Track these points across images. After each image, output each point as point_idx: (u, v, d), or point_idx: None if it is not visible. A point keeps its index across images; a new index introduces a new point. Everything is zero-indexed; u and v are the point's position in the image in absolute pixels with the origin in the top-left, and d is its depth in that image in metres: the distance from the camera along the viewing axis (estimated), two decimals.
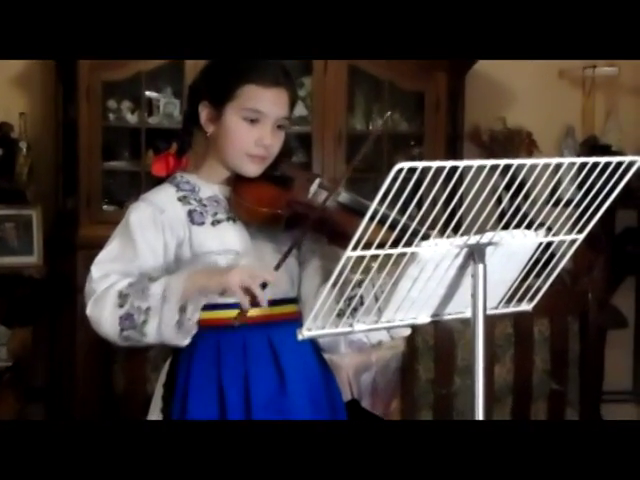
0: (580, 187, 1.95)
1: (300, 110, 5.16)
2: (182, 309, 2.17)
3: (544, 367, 3.57)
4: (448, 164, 1.67)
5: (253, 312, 2.19)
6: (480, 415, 1.94)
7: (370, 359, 3.53)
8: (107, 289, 2.19)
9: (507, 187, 1.86)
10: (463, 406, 3.43)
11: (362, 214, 1.72)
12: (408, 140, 5.44)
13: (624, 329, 5.99)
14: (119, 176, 5.20)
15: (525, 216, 1.96)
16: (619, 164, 1.87)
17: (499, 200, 1.87)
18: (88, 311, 2.21)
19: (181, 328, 2.18)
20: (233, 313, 2.15)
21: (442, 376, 3.49)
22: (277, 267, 2.12)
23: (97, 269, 2.23)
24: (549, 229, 1.94)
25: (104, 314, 2.18)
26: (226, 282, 2.11)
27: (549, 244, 1.96)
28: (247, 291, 2.09)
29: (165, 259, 2.27)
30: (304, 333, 1.81)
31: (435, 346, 3.49)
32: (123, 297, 2.17)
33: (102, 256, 2.25)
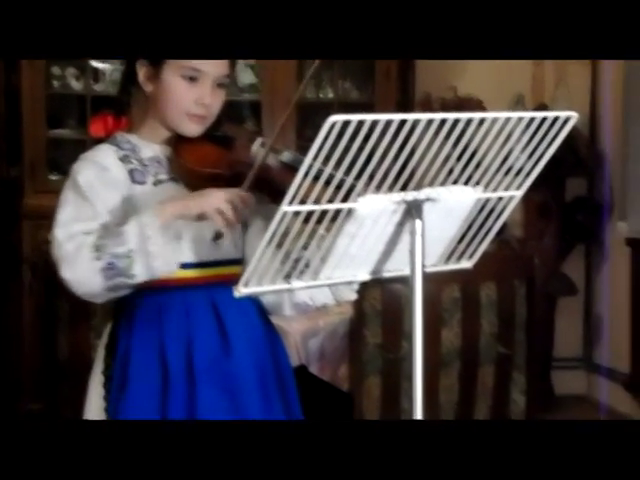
0: (524, 150, 1.95)
1: (250, 78, 5.13)
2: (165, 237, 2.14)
3: (491, 331, 3.58)
4: (383, 117, 1.66)
5: (195, 273, 2.18)
6: (418, 376, 1.93)
7: (318, 325, 3.53)
8: (78, 248, 2.12)
9: (454, 145, 1.86)
10: (411, 371, 3.43)
11: (314, 178, 1.72)
12: (359, 108, 5.42)
13: (574, 296, 6.04)
14: (64, 144, 5.13)
15: (469, 177, 1.95)
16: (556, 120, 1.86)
17: (445, 159, 1.87)
18: (64, 275, 2.13)
19: (169, 256, 2.15)
20: (176, 274, 2.15)
21: (390, 341, 3.49)
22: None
23: (61, 232, 2.16)
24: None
25: (83, 272, 2.11)
26: (203, 206, 2.12)
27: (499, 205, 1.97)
28: (222, 214, 2.11)
29: (115, 216, 2.24)
30: (240, 289, 1.80)
31: (383, 311, 3.49)
32: (98, 249, 2.11)
33: (62, 218, 2.19)
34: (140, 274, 2.13)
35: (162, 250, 2.12)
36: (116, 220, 2.21)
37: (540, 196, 5.76)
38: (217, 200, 2.11)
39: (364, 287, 3.46)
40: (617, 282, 5.77)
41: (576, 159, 5.76)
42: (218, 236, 2.13)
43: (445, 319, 3.55)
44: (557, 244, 5.87)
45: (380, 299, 3.50)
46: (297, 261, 1.86)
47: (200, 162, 2.25)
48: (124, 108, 2.39)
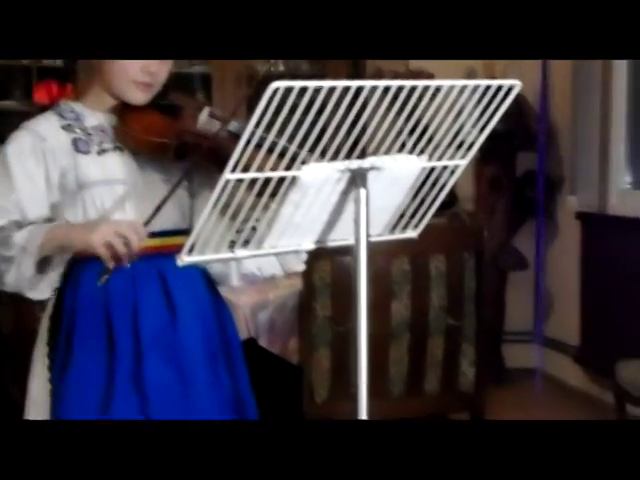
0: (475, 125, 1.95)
1: None
2: (41, 263, 2.14)
3: (440, 303, 3.59)
4: (326, 84, 1.65)
5: (143, 243, 2.16)
6: (363, 346, 1.93)
7: (267, 298, 3.52)
8: None
9: (400, 114, 1.85)
10: (356, 341, 3.43)
11: (257, 145, 1.70)
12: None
13: (524, 271, 6.08)
14: (10, 116, 5.06)
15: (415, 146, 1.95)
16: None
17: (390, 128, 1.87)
18: None
19: (38, 282, 2.16)
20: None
21: (340, 313, 3.49)
22: (147, 223, 2.09)
23: None
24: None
25: None
26: (89, 240, 2.07)
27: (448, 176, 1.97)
28: (111, 249, 2.06)
29: (48, 190, 2.22)
30: (183, 258, 1.78)
31: (332, 283, 3.49)
32: None
33: None
34: (9, 283, 2.15)
35: (27, 272, 2.13)
36: (49, 196, 2.21)
37: (491, 171, 5.78)
38: (106, 234, 2.06)
39: (314, 259, 3.46)
40: (567, 256, 5.81)
41: (527, 134, 5.78)
42: (104, 276, 2.09)
43: (395, 291, 3.55)
44: (508, 218, 5.90)
45: (330, 272, 3.50)
46: (241, 230, 1.85)
47: (146, 131, 2.22)
48: (69, 75, 2.36)
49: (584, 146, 5.53)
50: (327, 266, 3.49)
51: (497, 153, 5.73)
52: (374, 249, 3.54)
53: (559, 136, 5.93)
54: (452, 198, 5.07)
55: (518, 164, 5.94)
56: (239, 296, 3.40)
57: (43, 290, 2.19)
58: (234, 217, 1.82)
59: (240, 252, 1.85)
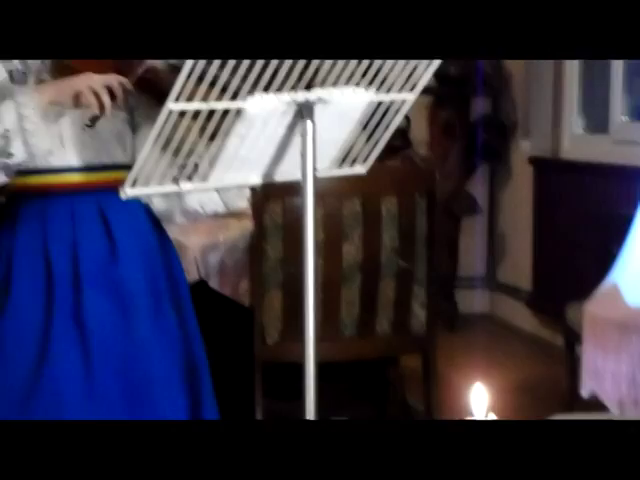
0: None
1: None
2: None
3: (392, 245, 3.58)
4: None
5: (81, 178, 2.13)
6: (310, 281, 1.92)
7: (217, 239, 3.49)
8: None
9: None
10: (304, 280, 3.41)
11: (199, 79, 1.67)
12: None
13: (478, 216, 6.09)
14: None
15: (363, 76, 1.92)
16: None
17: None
18: None
19: (49, 134, 2.14)
20: (61, 178, 2.10)
21: (291, 255, 3.47)
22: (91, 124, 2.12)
23: None
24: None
25: None
26: (77, 85, 2.08)
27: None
28: (97, 93, 2.08)
29: None
30: (126, 190, 1.76)
31: (284, 225, 3.46)
32: None
33: None
34: (18, 153, 2.10)
35: (39, 128, 2.10)
36: None
37: (445, 115, 5.77)
38: (92, 81, 2.09)
39: (265, 201, 3.43)
40: (520, 201, 5.83)
41: (481, 79, 5.77)
42: (93, 120, 2.11)
43: (346, 233, 3.53)
44: (461, 163, 5.91)
45: (281, 213, 3.47)
46: (185, 165, 1.82)
47: (85, 61, 2.18)
48: None
49: (537, 90, 5.53)
50: (278, 207, 3.46)
51: (451, 98, 5.71)
52: (325, 190, 3.53)
53: (512, 80, 5.93)
54: (405, 142, 5.05)
55: (472, 108, 5.94)
56: (189, 237, 3.38)
57: (54, 140, 2.18)
58: (177, 152, 1.79)
59: (185, 185, 1.83)
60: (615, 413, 1.88)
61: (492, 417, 1.05)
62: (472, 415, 1.05)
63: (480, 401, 1.06)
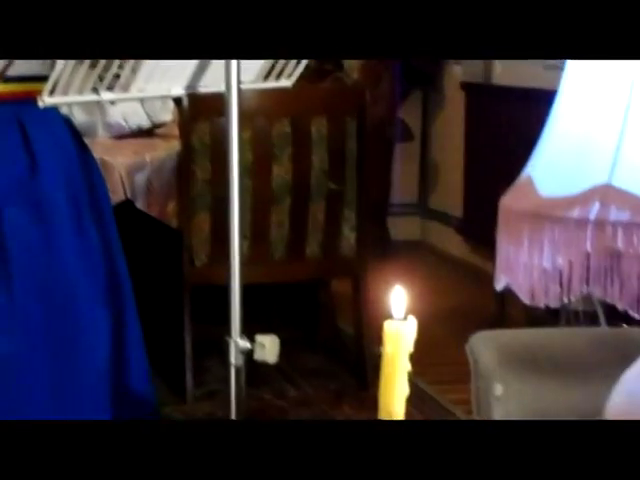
0: None
1: None
2: None
3: (322, 167, 3.54)
4: None
5: None
6: (235, 202, 1.89)
7: (144, 159, 3.42)
8: None
9: None
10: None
11: None
12: None
13: (411, 142, 6.09)
14: None
15: None
16: None
17: None
18: None
19: None
20: None
21: (219, 177, 3.41)
22: None
23: None
24: None
25: None
26: None
27: None
28: None
29: None
30: (44, 99, 1.71)
31: (212, 146, 3.40)
32: None
33: None
34: None
35: None
36: None
37: None
38: None
39: (192, 121, 3.37)
40: (452, 127, 5.83)
41: None
42: None
43: (275, 154, 3.50)
44: (394, 89, 5.87)
45: (209, 133, 3.41)
46: (106, 72, 1.77)
47: None
48: None
49: None
50: (206, 128, 3.40)
51: None
52: (254, 111, 3.47)
53: None
54: (337, 66, 5.01)
55: None
56: (115, 157, 3.30)
57: None
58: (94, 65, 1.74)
59: (105, 94, 1.78)
60: (526, 302, 1.91)
61: (412, 320, 1.04)
62: (392, 317, 1.04)
63: (399, 303, 1.04)
